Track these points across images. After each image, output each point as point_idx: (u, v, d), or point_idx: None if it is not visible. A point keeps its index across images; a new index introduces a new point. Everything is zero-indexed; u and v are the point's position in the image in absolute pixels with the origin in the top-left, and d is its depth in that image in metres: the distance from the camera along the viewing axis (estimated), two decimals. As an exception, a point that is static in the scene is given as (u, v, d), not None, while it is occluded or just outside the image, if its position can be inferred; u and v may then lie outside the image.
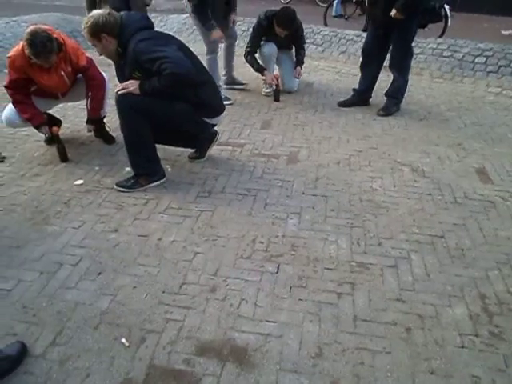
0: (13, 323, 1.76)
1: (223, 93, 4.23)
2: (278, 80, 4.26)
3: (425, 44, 5.44)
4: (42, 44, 2.57)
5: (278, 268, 2.08)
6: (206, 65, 3.92)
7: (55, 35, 2.71)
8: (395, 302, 1.89)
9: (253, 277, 2.02)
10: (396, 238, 2.31)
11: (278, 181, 2.83)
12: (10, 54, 2.75)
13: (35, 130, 3.04)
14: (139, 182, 2.70)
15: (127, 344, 1.68)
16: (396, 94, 3.98)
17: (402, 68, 3.88)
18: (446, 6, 5.88)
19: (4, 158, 3.08)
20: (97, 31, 2.41)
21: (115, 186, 2.70)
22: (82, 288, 1.94)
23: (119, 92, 2.50)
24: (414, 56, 5.03)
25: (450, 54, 5.23)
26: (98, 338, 1.71)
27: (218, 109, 2.82)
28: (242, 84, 4.61)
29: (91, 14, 2.45)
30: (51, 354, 1.64)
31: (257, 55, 4.31)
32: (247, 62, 4.30)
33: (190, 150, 3.08)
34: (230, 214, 2.48)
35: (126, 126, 2.59)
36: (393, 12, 3.46)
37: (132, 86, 2.48)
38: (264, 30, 4.15)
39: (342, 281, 2.01)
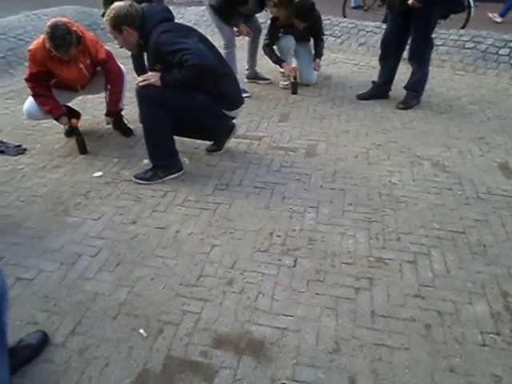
0: (34, 312, 1.80)
1: (241, 85, 4.21)
2: (295, 72, 4.22)
3: (446, 35, 5.32)
4: (61, 37, 2.60)
5: (295, 262, 2.07)
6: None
7: (74, 28, 2.73)
8: (414, 298, 1.87)
9: (270, 270, 2.01)
10: (415, 233, 2.27)
11: (295, 174, 2.81)
12: (30, 48, 2.78)
13: (55, 123, 3.09)
14: (157, 174, 2.72)
15: (145, 335, 1.70)
16: (416, 86, 3.90)
17: (421, 60, 3.80)
18: (470, -3, 5.74)
19: (25, 150, 3.13)
20: (118, 23, 2.42)
21: (133, 179, 2.72)
22: (101, 279, 1.97)
23: (140, 84, 2.51)
24: (435, 48, 4.92)
25: (472, 45, 5.10)
26: (117, 328, 1.73)
27: (237, 101, 2.81)
28: (266, 79, 4.57)
29: (113, 6, 2.45)
30: (71, 343, 1.66)
31: (275, 47, 4.27)
32: (266, 54, 4.26)
33: (208, 143, 3.09)
34: (247, 207, 2.48)
35: (146, 117, 2.60)
36: (412, 1, 3.38)
37: (153, 77, 2.49)
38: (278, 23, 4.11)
39: (359, 276, 1.99)
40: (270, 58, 4.26)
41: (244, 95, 3.79)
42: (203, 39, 2.60)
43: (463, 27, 6.08)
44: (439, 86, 4.46)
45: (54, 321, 1.76)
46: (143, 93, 2.52)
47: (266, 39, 4.24)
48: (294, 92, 4.24)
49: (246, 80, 4.47)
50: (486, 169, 2.88)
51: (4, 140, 3.21)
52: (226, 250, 2.15)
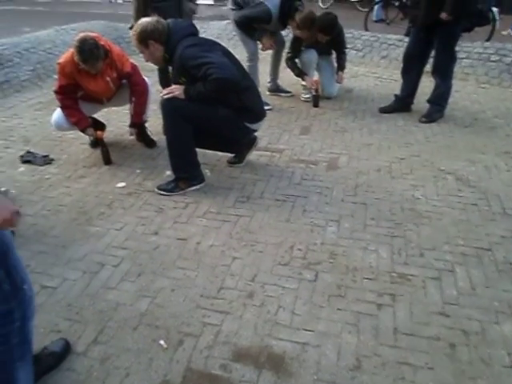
0: (57, 320, 1.82)
1: (263, 98, 4.25)
2: (317, 85, 4.24)
3: (471, 48, 5.26)
4: (89, 51, 2.68)
5: (316, 276, 2.05)
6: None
7: (102, 42, 2.81)
8: (438, 316, 1.82)
9: (290, 284, 2.00)
10: (439, 249, 2.23)
11: (316, 187, 2.80)
12: (60, 61, 2.88)
13: (81, 134, 3.17)
14: (179, 185, 2.74)
15: (165, 346, 1.70)
16: (439, 100, 3.87)
17: (445, 73, 3.77)
18: (494, 9, 5.67)
19: (52, 160, 3.21)
20: (145, 38, 2.49)
21: (156, 190, 2.76)
22: (123, 289, 1.99)
23: (165, 96, 2.55)
24: (459, 61, 4.87)
25: (497, 58, 5.03)
26: (138, 338, 1.74)
27: (259, 114, 2.83)
28: (288, 92, 4.60)
29: (140, 22, 2.53)
30: (92, 353, 1.68)
31: (297, 61, 4.30)
32: (288, 67, 4.30)
33: (229, 155, 3.11)
34: (268, 219, 2.48)
35: (169, 129, 2.65)
36: (443, 15, 3.35)
37: (177, 90, 2.53)
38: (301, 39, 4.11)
39: (382, 292, 1.95)
40: (293, 71, 4.31)
41: (265, 107, 3.83)
42: (227, 53, 2.64)
43: (488, 40, 6.00)
44: (463, 100, 4.41)
45: (77, 329, 1.78)
46: (167, 105, 2.56)
47: (288, 53, 4.28)
48: (316, 105, 4.24)
49: (267, 93, 4.50)
50: (512, 184, 2.82)
51: (32, 150, 3.31)
52: (247, 262, 2.15)
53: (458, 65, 4.99)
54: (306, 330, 1.76)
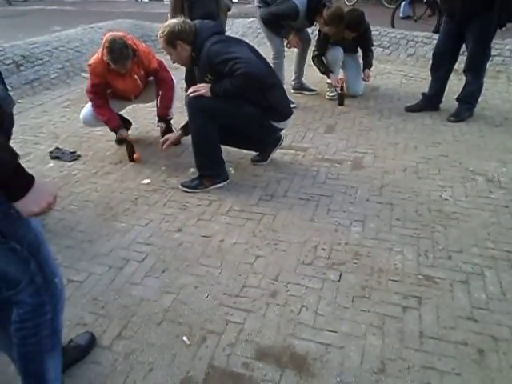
0: (83, 314, 1.86)
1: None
2: (343, 83, 4.19)
3: (502, 45, 5.12)
4: (119, 51, 2.73)
5: (340, 276, 2.02)
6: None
7: (129, 41, 2.85)
8: (466, 321, 1.78)
9: (314, 284, 1.98)
10: (468, 252, 2.17)
11: (341, 186, 2.77)
12: (90, 62, 2.96)
13: (107, 131, 3.22)
14: (203, 183, 2.76)
15: (188, 342, 1.71)
16: (469, 98, 3.76)
17: (477, 71, 3.66)
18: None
19: (79, 156, 3.27)
20: (173, 39, 2.52)
21: (180, 186, 2.78)
22: (147, 284, 2.01)
23: (191, 95, 2.57)
24: (490, 58, 4.74)
25: (530, 56, 4.86)
26: (161, 334, 1.75)
27: (285, 112, 2.81)
28: (313, 90, 4.55)
29: (166, 24, 2.56)
30: (117, 347, 1.70)
31: (323, 58, 4.26)
32: (314, 64, 4.27)
33: (253, 153, 3.10)
34: (291, 218, 2.46)
35: (195, 127, 2.66)
36: None
37: (203, 88, 2.55)
38: (328, 37, 4.07)
39: (407, 294, 1.91)
40: (319, 69, 4.27)
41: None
42: (253, 50, 2.64)
43: (520, 37, 5.81)
44: (493, 98, 4.28)
45: (102, 323, 1.81)
46: (194, 104, 2.57)
47: (314, 50, 4.25)
48: (341, 103, 4.19)
49: (292, 91, 4.47)
50: (545, 186, 2.72)
51: (60, 146, 3.38)
52: (270, 261, 2.14)
53: (490, 62, 4.86)
54: (330, 331, 1.74)
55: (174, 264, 2.13)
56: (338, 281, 2.00)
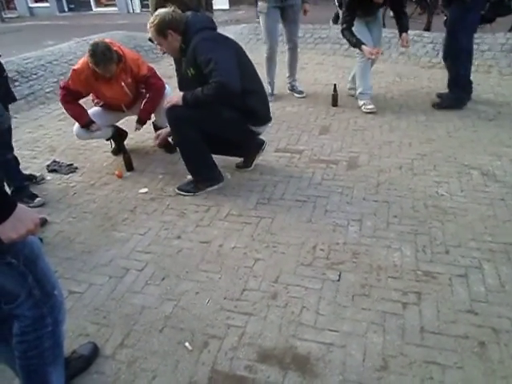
0: (85, 324, 1.86)
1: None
2: (378, 53, 3.82)
3: (492, 40, 5.14)
4: (101, 53, 2.75)
5: (339, 276, 2.03)
6: (265, 65, 4.28)
7: (115, 48, 2.88)
8: (466, 314, 1.78)
9: (314, 284, 1.99)
10: (465, 245, 2.18)
11: (337, 187, 2.78)
12: (75, 67, 2.96)
13: (104, 142, 3.24)
14: (198, 186, 2.79)
15: (190, 348, 1.72)
16: (450, 86, 3.83)
17: (452, 59, 3.76)
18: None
19: (76, 168, 3.29)
20: (164, 28, 2.53)
21: (176, 190, 2.82)
22: (148, 292, 2.02)
23: (166, 106, 2.62)
24: (481, 53, 4.79)
25: (521, 49, 4.89)
26: (163, 341, 1.76)
27: (264, 118, 2.82)
28: (301, 93, 4.56)
29: (156, 13, 2.57)
30: (120, 356, 1.71)
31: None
32: (344, 37, 3.88)
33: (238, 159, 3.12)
34: (289, 220, 2.48)
35: (178, 136, 2.72)
36: None
37: (176, 98, 2.60)
38: (358, 2, 3.64)
39: (407, 290, 1.92)
40: (349, 41, 3.86)
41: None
42: (240, 53, 2.66)
43: (510, 30, 5.84)
44: (486, 93, 4.30)
45: (104, 333, 1.81)
46: (171, 114, 2.61)
47: (342, 23, 3.85)
48: (335, 104, 4.21)
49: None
50: (540, 177, 2.73)
51: (57, 159, 3.40)
52: (269, 263, 2.15)
53: (481, 57, 4.92)
54: (331, 331, 1.75)
55: (173, 271, 2.14)
56: (338, 280, 2.01)
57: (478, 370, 1.56)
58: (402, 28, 3.88)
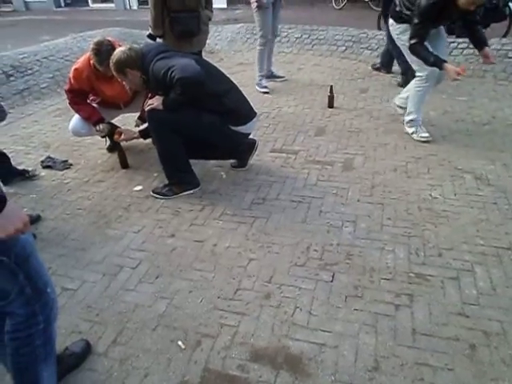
0: (78, 321, 1.86)
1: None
2: (463, 71, 2.97)
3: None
4: (107, 52, 2.74)
5: (332, 277, 2.04)
6: (256, 54, 4.69)
7: (117, 47, 2.86)
8: (458, 317, 1.80)
9: (307, 285, 2.00)
10: (458, 248, 2.20)
11: (332, 188, 2.80)
12: (76, 66, 2.95)
13: (99, 139, 3.23)
14: (173, 189, 2.79)
15: (183, 347, 1.72)
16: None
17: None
18: (511, 4, 5.57)
19: (71, 165, 3.28)
20: (121, 67, 2.58)
21: (151, 193, 2.81)
22: (141, 290, 2.02)
23: (146, 109, 2.63)
24: (477, 57, 4.80)
25: (516, 54, 4.93)
26: (156, 339, 1.76)
27: (248, 114, 2.79)
28: (281, 77, 5.06)
29: (114, 53, 2.61)
30: (112, 353, 1.71)
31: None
32: (415, 54, 3.09)
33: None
34: (284, 221, 2.48)
35: (156, 139, 2.73)
36: None
37: (156, 101, 2.60)
38: (439, 10, 2.90)
39: (399, 292, 1.94)
40: (425, 60, 3.05)
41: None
42: (199, 60, 2.70)
43: (505, 36, 5.89)
44: (481, 97, 4.34)
45: (97, 330, 1.81)
46: (151, 117, 2.63)
47: (412, 37, 3.05)
48: (331, 106, 4.22)
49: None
50: (533, 182, 2.76)
51: (52, 155, 3.38)
52: (263, 263, 2.15)
53: (476, 62, 4.94)
54: (324, 331, 1.76)
55: (167, 269, 2.14)
56: (331, 281, 2.02)
57: (469, 372, 1.57)
58: (483, 42, 3.17)
